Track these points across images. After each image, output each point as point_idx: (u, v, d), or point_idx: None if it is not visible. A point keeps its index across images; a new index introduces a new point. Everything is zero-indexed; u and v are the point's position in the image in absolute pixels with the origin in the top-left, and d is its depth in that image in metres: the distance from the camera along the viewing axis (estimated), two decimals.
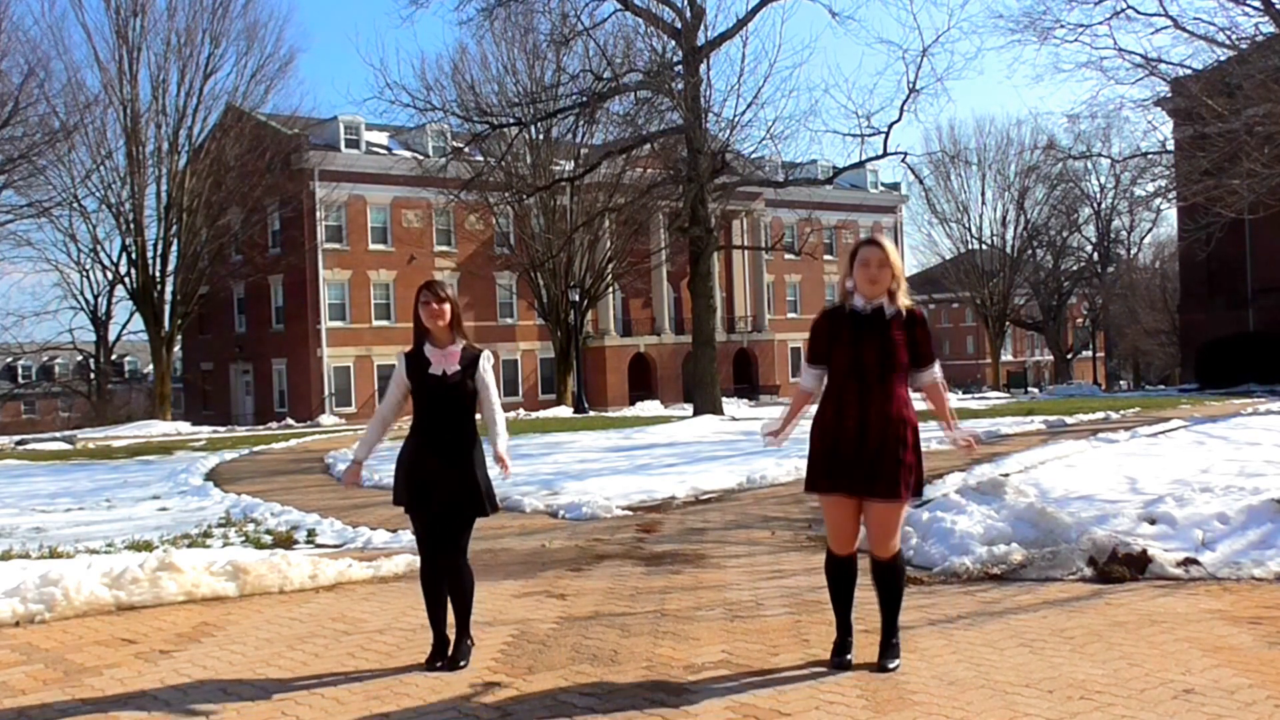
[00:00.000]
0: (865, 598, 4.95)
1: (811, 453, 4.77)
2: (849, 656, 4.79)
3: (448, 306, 5.01)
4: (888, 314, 4.67)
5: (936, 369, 4.79)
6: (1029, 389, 55.99)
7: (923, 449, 4.76)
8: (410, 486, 5.01)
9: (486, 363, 5.07)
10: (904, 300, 4.70)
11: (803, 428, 4.81)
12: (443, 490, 4.95)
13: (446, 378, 4.97)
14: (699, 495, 11.54)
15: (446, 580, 5.05)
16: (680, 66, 26.01)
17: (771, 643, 5.26)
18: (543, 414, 35.87)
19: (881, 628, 4.80)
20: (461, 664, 4.96)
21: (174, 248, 41.91)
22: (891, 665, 4.69)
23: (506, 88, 37.93)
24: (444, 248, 51.17)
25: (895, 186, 68.50)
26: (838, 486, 4.67)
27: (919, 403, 4.80)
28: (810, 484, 4.81)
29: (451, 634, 5.10)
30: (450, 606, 5.08)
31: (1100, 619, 5.50)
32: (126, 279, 42.08)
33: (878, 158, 28.31)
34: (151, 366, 45.69)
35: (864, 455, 4.59)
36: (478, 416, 5.11)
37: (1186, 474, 9.92)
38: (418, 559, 5.28)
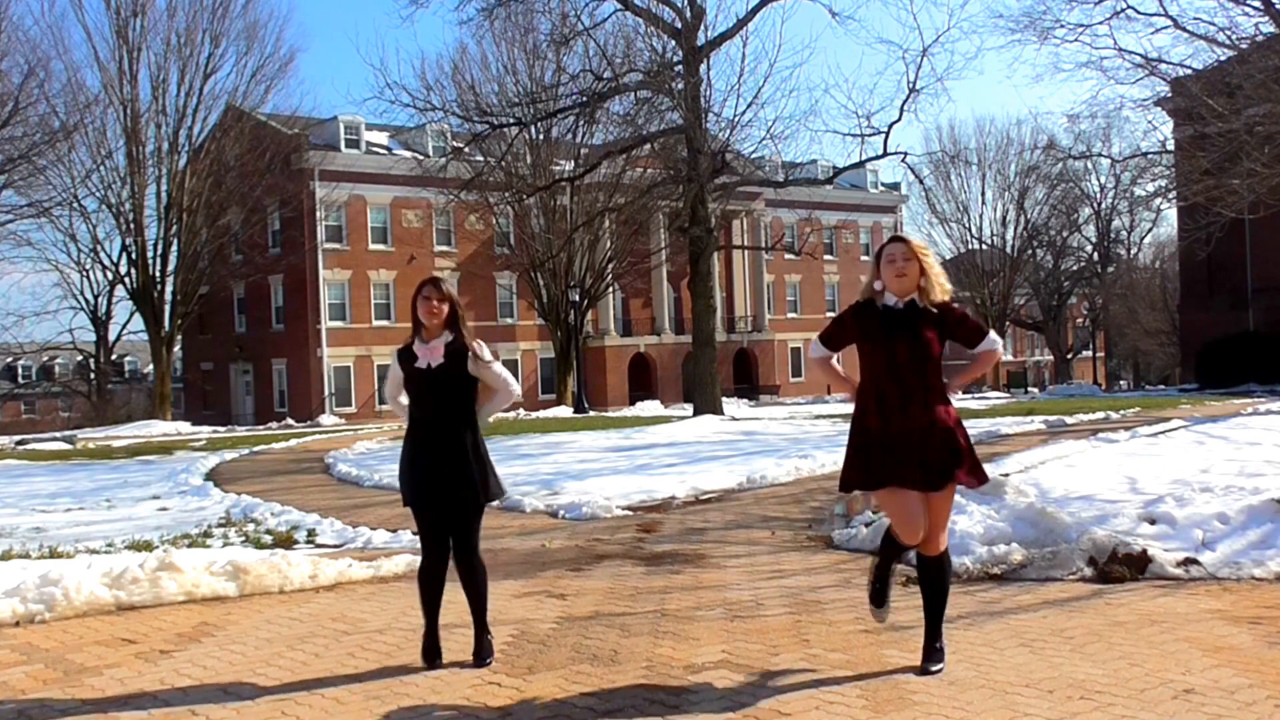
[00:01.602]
0: (859, 598, 4.93)
1: (851, 452, 4.65)
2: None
3: (446, 306, 5.04)
4: (919, 310, 4.56)
5: (991, 338, 4.66)
6: (1029, 389, 55.94)
7: None
8: (413, 484, 5.05)
9: (480, 352, 5.04)
10: (939, 295, 4.58)
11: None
12: (443, 485, 4.97)
13: (430, 370, 5.01)
14: (699, 495, 11.53)
15: (460, 578, 5.05)
16: (680, 66, 26.01)
17: (771, 643, 5.25)
18: (543, 414, 35.85)
19: (927, 629, 4.70)
20: (488, 660, 4.99)
21: (174, 248, 41.96)
22: (935, 669, 4.62)
23: (506, 88, 37.98)
24: (444, 248, 51.15)
25: (895, 186, 68.44)
26: (884, 480, 4.53)
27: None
28: (846, 482, 4.70)
29: (444, 632, 5.13)
30: (468, 603, 5.09)
31: (1100, 619, 5.50)
32: (126, 279, 42.12)
33: (878, 158, 28.33)
34: (151, 366, 45.69)
35: (910, 449, 4.48)
36: (487, 415, 5.16)
37: (1186, 474, 9.92)
38: (418, 558, 5.29)
